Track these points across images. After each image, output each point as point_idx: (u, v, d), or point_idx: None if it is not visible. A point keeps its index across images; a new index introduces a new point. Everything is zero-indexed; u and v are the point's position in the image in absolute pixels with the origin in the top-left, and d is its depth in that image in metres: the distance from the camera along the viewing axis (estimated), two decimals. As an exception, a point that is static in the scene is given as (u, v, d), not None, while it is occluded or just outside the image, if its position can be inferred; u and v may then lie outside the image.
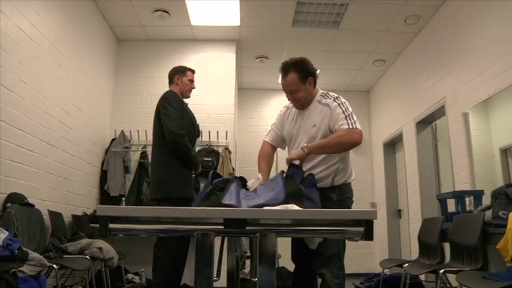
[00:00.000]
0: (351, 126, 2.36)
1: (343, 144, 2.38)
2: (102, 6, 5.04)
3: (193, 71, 3.75)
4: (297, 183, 2.07)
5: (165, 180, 3.29)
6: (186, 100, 3.69)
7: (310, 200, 2.01)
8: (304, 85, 2.52)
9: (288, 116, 2.73)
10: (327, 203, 2.35)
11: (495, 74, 3.76)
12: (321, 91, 2.63)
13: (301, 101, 2.57)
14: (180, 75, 3.65)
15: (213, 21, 5.37)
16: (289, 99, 2.64)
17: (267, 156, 2.73)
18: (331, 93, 2.60)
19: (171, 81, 3.67)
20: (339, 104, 2.47)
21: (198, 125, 5.37)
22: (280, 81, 2.62)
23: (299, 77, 2.50)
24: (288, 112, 2.74)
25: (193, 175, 3.60)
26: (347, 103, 2.51)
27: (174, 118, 3.32)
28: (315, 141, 2.46)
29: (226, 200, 1.56)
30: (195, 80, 3.75)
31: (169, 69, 3.77)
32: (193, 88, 3.72)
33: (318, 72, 2.62)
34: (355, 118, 2.42)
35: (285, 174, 2.14)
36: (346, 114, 2.42)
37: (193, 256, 1.32)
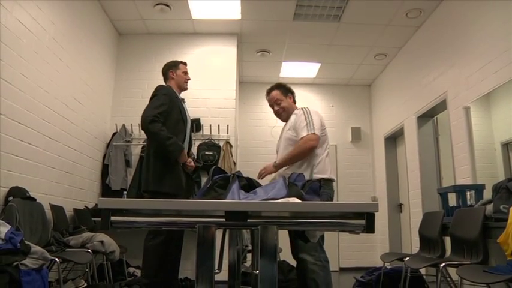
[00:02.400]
0: (309, 132, 2.82)
1: (304, 152, 2.83)
2: (103, 0, 5.03)
3: (185, 63, 3.78)
4: (298, 188, 2.09)
5: (147, 173, 3.35)
6: (186, 95, 3.69)
7: None
8: (285, 98, 3.16)
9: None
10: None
11: (497, 68, 3.75)
12: (299, 107, 3.09)
13: (285, 110, 3.13)
14: (174, 69, 3.69)
15: (214, 15, 5.35)
16: (275, 113, 3.23)
17: None
18: (306, 107, 3.03)
19: (166, 77, 3.70)
20: (303, 113, 2.94)
21: (199, 119, 5.44)
22: (266, 97, 3.28)
23: (281, 92, 3.18)
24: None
25: (190, 167, 3.53)
26: (311, 113, 2.93)
27: (151, 108, 3.36)
28: (286, 142, 2.98)
29: (228, 199, 1.58)
30: (191, 72, 3.78)
31: (169, 65, 3.79)
32: (189, 79, 3.75)
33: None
34: (314, 124, 2.86)
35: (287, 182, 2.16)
36: (308, 121, 2.87)
37: (194, 249, 1.32)
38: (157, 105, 3.36)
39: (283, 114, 3.16)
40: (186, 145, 3.57)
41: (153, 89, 3.54)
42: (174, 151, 3.32)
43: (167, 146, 3.29)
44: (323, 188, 2.74)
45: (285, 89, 3.21)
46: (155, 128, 3.27)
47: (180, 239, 3.42)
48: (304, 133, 2.82)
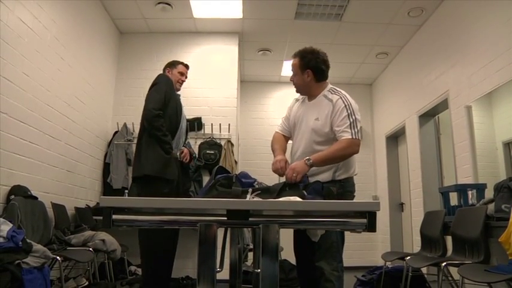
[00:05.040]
0: (354, 137, 2.44)
1: (345, 157, 2.50)
2: (104, -1, 5.04)
3: (186, 65, 3.77)
4: (300, 189, 2.08)
5: (140, 159, 3.33)
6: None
7: None
8: (301, 74, 2.63)
9: (294, 108, 2.82)
10: (326, 195, 2.37)
11: (499, 67, 3.74)
12: (330, 86, 2.69)
13: (295, 86, 2.72)
14: (171, 67, 3.71)
15: (215, 14, 5.35)
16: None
17: (279, 140, 2.79)
18: (339, 90, 2.66)
19: None
20: (345, 106, 2.51)
21: (200, 118, 5.44)
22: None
23: (299, 64, 2.64)
24: (296, 104, 2.83)
25: (180, 160, 3.54)
26: (353, 104, 2.55)
27: (156, 99, 3.36)
28: (314, 133, 2.57)
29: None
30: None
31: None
32: (183, 81, 3.75)
33: (325, 68, 2.65)
34: (358, 126, 2.49)
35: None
36: (351, 120, 2.48)
37: (195, 248, 1.33)
38: (161, 95, 3.38)
39: (296, 88, 2.73)
40: (177, 138, 3.55)
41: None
42: (166, 150, 3.34)
43: (161, 142, 3.32)
44: (345, 187, 2.55)
45: (305, 63, 2.61)
46: (158, 122, 3.31)
47: (176, 236, 3.42)
48: (347, 135, 2.44)
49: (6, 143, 3.17)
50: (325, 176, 2.50)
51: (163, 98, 3.39)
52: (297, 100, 2.86)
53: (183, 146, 3.77)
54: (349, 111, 2.49)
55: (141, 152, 3.35)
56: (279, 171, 2.46)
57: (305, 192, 2.00)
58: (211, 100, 5.61)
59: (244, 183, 1.89)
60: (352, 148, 2.46)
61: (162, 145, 3.31)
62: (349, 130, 2.45)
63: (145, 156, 3.30)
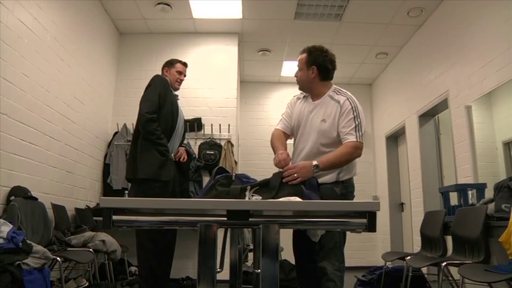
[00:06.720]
0: (358, 140, 2.45)
1: (350, 161, 2.51)
2: (104, 0, 5.03)
3: (183, 63, 3.76)
4: (299, 184, 2.08)
5: (135, 161, 3.33)
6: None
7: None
8: (306, 69, 2.64)
9: (297, 106, 2.78)
10: (330, 196, 2.38)
11: (498, 66, 3.75)
12: (334, 87, 2.69)
13: (299, 81, 2.72)
14: (169, 67, 3.71)
15: (215, 14, 5.35)
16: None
17: (280, 137, 2.76)
18: (344, 90, 2.66)
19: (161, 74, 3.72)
20: (352, 108, 2.52)
21: (200, 118, 5.44)
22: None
23: (306, 60, 2.65)
24: (298, 102, 2.79)
25: (176, 159, 3.55)
26: (359, 107, 2.56)
27: (149, 103, 3.35)
28: (321, 135, 2.55)
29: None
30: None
31: (171, 63, 3.81)
32: (182, 80, 3.74)
33: (331, 68, 2.66)
34: (363, 129, 2.50)
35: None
36: (357, 122, 2.49)
37: (196, 248, 1.33)
38: (155, 98, 3.38)
39: (299, 84, 2.73)
40: (173, 139, 3.55)
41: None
42: (161, 153, 3.34)
43: (156, 145, 3.31)
44: (348, 188, 2.55)
45: (311, 59, 2.62)
46: (151, 126, 3.30)
47: (173, 237, 3.44)
48: (351, 138, 2.45)
49: (6, 144, 3.16)
50: (329, 178, 2.51)
51: (157, 100, 3.38)
52: (298, 98, 2.81)
53: (182, 146, 3.77)
54: (355, 114, 2.50)
55: (136, 155, 3.34)
56: (282, 162, 2.38)
57: (303, 187, 2.01)
58: (211, 100, 5.61)
59: (245, 183, 1.89)
60: (356, 152, 2.47)
61: (156, 147, 3.31)
62: (354, 133, 2.46)
63: (140, 159, 3.29)
